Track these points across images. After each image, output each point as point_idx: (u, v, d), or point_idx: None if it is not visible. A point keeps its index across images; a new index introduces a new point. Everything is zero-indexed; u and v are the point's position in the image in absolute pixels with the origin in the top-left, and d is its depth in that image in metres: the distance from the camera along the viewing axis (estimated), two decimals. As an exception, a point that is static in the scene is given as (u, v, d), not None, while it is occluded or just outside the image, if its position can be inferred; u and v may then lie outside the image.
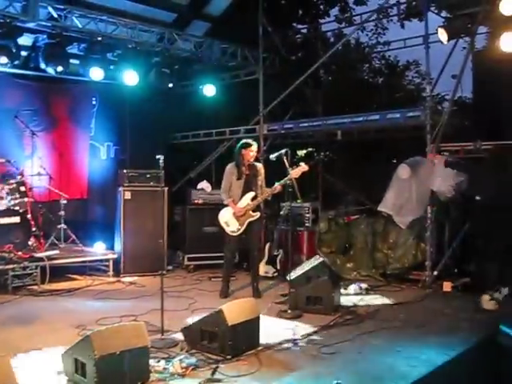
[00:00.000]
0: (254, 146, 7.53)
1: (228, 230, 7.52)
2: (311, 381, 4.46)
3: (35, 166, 9.43)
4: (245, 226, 7.44)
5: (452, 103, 8.87)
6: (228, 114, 11.69)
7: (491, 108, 8.01)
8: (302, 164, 7.15)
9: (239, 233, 7.47)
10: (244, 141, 7.67)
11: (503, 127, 7.76)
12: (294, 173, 7.00)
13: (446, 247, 8.49)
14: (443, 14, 10.22)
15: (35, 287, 7.78)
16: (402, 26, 14.79)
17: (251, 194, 7.46)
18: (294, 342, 5.27)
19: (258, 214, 7.46)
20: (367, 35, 17.02)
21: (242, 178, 7.51)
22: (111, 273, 8.93)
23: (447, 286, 7.97)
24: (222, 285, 7.69)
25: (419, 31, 9.80)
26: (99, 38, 9.06)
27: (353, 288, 7.86)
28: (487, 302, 6.61)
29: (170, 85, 10.88)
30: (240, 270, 9.30)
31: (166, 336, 5.42)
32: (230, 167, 7.64)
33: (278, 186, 7.27)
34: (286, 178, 7.06)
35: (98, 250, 9.22)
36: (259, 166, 7.69)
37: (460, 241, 8.09)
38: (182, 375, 4.45)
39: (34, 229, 8.58)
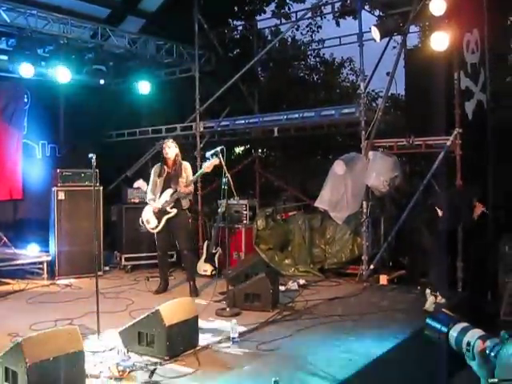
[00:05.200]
0: (169, 142, 7.61)
1: (148, 227, 7.64)
2: (250, 379, 4.47)
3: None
4: (163, 222, 7.48)
5: (385, 100, 9.05)
6: (164, 112, 11.58)
7: (423, 104, 8.20)
8: (214, 157, 7.25)
9: (158, 229, 7.55)
10: None
11: (434, 123, 7.96)
12: (206, 167, 7.16)
13: (381, 241, 8.67)
14: (376, 12, 10.43)
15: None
16: (338, 24, 14.99)
17: (170, 191, 7.48)
18: (233, 340, 5.26)
19: (174, 211, 7.46)
20: (302, 33, 17.21)
21: (162, 175, 7.59)
22: (46, 275, 8.69)
23: (383, 279, 8.16)
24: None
25: (353, 29, 9.95)
26: (29, 34, 8.75)
27: (291, 284, 7.92)
28: (430, 304, 6.69)
29: (102, 81, 10.67)
30: (178, 268, 9.24)
31: (103, 339, 5.31)
32: (155, 167, 7.78)
33: (191, 180, 7.46)
34: (198, 173, 7.34)
35: (31, 252, 8.95)
36: (185, 164, 7.68)
37: (395, 235, 8.26)
38: (119, 379, 4.37)
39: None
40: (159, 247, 7.72)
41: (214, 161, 7.18)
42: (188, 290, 7.53)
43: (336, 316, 6.35)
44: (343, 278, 8.61)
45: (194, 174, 7.62)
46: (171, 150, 7.53)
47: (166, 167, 7.59)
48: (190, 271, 7.78)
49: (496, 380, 1.51)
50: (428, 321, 1.94)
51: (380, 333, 5.66)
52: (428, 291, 6.79)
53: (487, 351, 1.62)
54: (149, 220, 7.60)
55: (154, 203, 7.55)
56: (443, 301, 6.66)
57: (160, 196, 7.53)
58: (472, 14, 8.30)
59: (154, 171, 7.72)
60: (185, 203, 7.56)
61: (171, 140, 7.73)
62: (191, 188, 7.55)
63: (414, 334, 5.56)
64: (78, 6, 9.80)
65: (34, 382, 3.77)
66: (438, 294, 6.67)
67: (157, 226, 7.52)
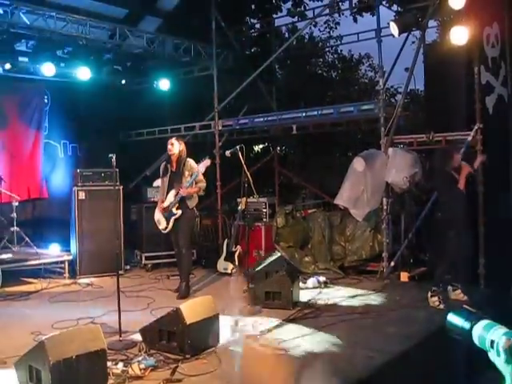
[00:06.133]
0: (173, 140, 7.52)
1: (160, 228, 7.60)
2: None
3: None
4: (171, 223, 7.43)
5: (404, 96, 8.98)
6: (183, 111, 11.61)
7: (442, 100, 8.13)
8: (206, 158, 7.28)
9: (168, 230, 7.51)
10: None
11: (454, 119, 7.89)
12: (199, 167, 7.18)
13: (402, 238, 8.61)
14: (394, 7, 10.37)
15: (-12, 292, 7.57)
16: (355, 20, 14.89)
17: (174, 192, 7.41)
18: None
19: (179, 212, 7.37)
20: (319, 30, 17.14)
21: (167, 175, 7.53)
22: (67, 275, 8.75)
23: (404, 277, 8.09)
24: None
25: (371, 25, 9.88)
26: (48, 35, 8.82)
27: (311, 281, 7.89)
28: (430, 299, 6.66)
29: (123, 81, 10.73)
30: (199, 266, 9.26)
31: (124, 337, 5.34)
32: (161, 166, 7.72)
33: (189, 183, 7.31)
34: (194, 175, 7.20)
35: (52, 251, 9.03)
36: (189, 162, 7.47)
37: (415, 231, 8.20)
38: (141, 377, 4.39)
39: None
40: (174, 246, 7.69)
41: (206, 162, 7.21)
42: (210, 289, 7.51)
43: (357, 313, 6.33)
44: (363, 276, 8.56)
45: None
46: (174, 147, 7.43)
47: (169, 166, 7.53)
48: (184, 270, 7.57)
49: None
50: (449, 318, 1.91)
51: (401, 330, 5.63)
52: (450, 288, 6.74)
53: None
54: (159, 221, 7.57)
55: (161, 204, 7.53)
56: (465, 298, 6.61)
57: (166, 197, 7.49)
58: (492, 7, 8.19)
59: (160, 170, 7.71)
60: (190, 203, 7.45)
61: (175, 138, 7.64)
62: (201, 184, 7.39)
63: (435, 332, 5.52)
64: (95, 7, 9.85)
65: (57, 380, 3.80)
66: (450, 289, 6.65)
67: (166, 228, 7.49)
